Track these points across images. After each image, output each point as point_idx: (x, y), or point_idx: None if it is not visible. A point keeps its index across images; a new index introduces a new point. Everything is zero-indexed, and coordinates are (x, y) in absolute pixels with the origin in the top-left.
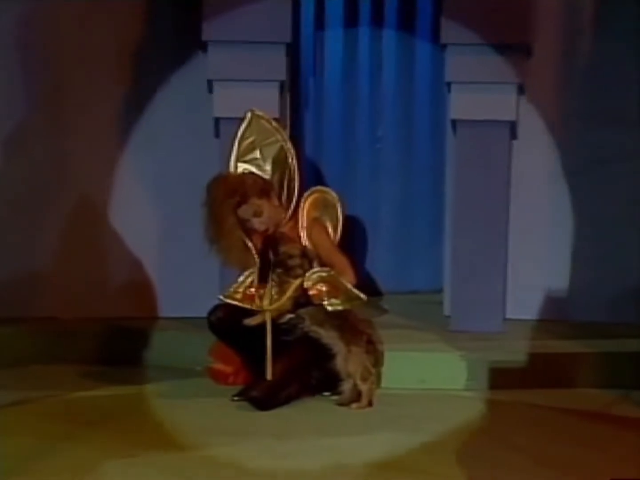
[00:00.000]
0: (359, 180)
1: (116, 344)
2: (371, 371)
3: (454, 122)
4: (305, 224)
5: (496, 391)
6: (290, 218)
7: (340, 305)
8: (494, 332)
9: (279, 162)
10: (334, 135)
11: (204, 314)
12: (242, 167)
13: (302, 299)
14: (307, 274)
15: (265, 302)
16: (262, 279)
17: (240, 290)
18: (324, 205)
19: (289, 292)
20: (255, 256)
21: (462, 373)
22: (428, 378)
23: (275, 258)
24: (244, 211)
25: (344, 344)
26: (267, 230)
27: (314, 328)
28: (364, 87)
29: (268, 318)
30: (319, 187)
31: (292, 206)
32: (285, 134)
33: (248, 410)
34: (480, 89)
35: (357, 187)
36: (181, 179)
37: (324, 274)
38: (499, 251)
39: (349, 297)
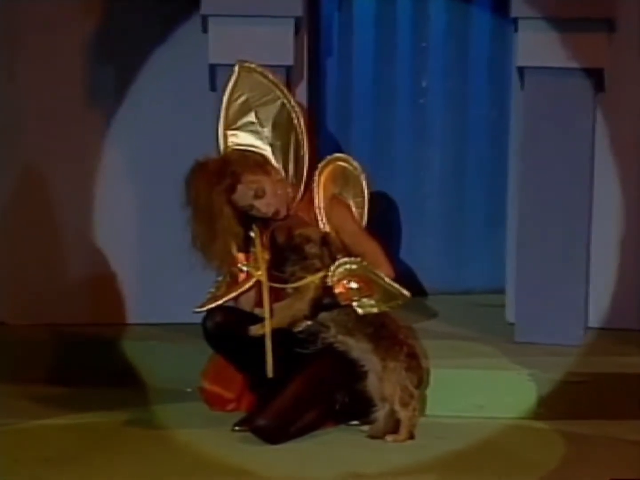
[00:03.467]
0: (397, 146)
1: (79, 357)
2: (413, 394)
3: (521, 70)
4: (322, 204)
5: (576, 422)
6: (302, 198)
7: (375, 306)
8: (572, 345)
9: (282, 125)
10: (365, 88)
11: (193, 319)
12: (234, 136)
13: (326, 300)
14: (331, 267)
15: (261, 268)
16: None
17: (223, 283)
18: (344, 179)
19: (308, 294)
20: (260, 249)
21: (531, 397)
22: (487, 403)
23: (289, 242)
24: (242, 195)
25: (379, 358)
26: (277, 213)
27: (341, 338)
28: (405, 24)
29: (265, 290)
30: (336, 155)
31: (303, 181)
32: (286, 88)
33: (253, 443)
34: (556, 27)
35: (394, 155)
36: (164, 148)
37: (353, 266)
38: (580, 240)
39: (387, 296)
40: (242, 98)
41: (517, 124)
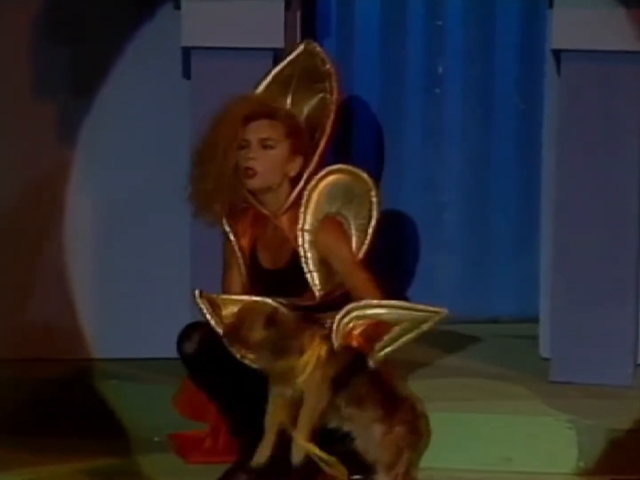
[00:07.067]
0: (408, 145)
1: (26, 400)
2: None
3: (556, 54)
4: (307, 225)
5: (624, 478)
6: (292, 205)
7: (391, 344)
8: (619, 386)
9: (313, 121)
10: (369, 75)
11: (160, 354)
12: None
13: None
14: (334, 325)
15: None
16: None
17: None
18: (346, 196)
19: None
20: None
21: (571, 449)
22: (517, 455)
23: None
24: (256, 127)
25: (387, 424)
26: (253, 174)
27: (350, 411)
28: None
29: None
30: (339, 166)
31: (301, 185)
32: (337, 82)
33: None
34: (598, 2)
35: (404, 156)
36: (132, 146)
37: (361, 312)
38: (627, 260)
39: (412, 323)
40: (288, 79)
41: (552, 117)
